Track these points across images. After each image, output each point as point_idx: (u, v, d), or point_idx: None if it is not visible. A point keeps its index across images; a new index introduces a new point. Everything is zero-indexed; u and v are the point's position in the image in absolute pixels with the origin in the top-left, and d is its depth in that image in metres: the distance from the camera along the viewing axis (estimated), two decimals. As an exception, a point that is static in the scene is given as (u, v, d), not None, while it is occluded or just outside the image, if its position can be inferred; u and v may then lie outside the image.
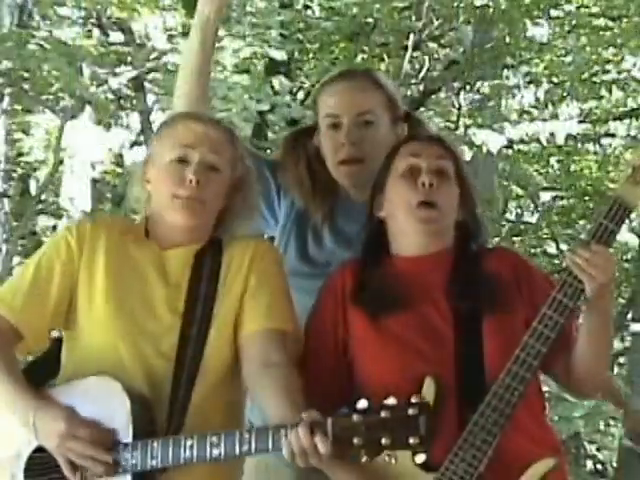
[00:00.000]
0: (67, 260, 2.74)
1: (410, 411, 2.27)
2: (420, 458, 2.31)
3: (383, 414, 2.28)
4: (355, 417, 2.30)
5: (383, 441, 2.27)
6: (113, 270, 2.73)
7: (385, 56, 10.52)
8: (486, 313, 2.65)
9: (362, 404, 2.31)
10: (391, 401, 2.29)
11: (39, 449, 2.58)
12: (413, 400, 2.29)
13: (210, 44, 3.16)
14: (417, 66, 11.59)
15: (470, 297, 2.67)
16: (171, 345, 2.64)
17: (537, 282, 2.75)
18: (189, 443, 2.45)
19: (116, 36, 9.64)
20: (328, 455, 2.33)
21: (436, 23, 10.41)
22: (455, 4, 9.70)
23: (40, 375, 2.74)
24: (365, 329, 2.69)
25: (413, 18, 9.78)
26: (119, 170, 11.66)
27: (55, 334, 2.81)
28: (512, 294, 2.70)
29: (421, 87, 11.56)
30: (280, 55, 7.39)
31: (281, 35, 7.56)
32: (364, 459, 2.31)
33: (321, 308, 2.78)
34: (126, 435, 2.51)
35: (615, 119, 11.00)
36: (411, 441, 2.27)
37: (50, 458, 2.56)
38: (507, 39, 10.55)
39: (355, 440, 2.29)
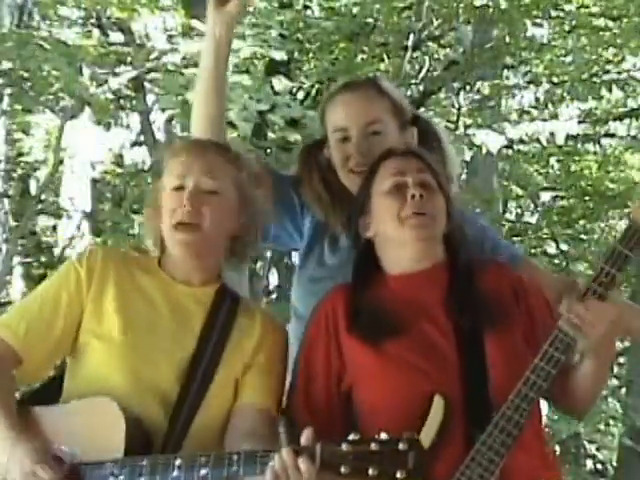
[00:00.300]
0: (75, 291, 2.76)
1: (400, 446, 2.28)
2: None
3: (373, 446, 2.29)
4: (345, 446, 2.31)
5: (370, 472, 2.27)
6: (122, 299, 2.75)
7: (385, 56, 10.52)
8: (487, 328, 2.66)
9: (353, 436, 2.32)
10: (383, 436, 2.30)
11: None
12: (405, 436, 2.29)
13: (224, 65, 3.15)
14: (417, 66, 11.59)
15: (470, 312, 2.67)
16: (175, 377, 2.67)
17: (533, 296, 2.77)
18: (178, 462, 2.47)
19: (116, 36, 9.64)
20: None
21: (436, 23, 10.41)
22: (455, 4, 9.69)
23: (43, 401, 2.75)
24: (364, 355, 2.67)
25: (413, 18, 9.78)
26: (119, 170, 11.67)
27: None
28: (510, 308, 2.71)
29: (421, 87, 11.56)
30: (280, 55, 7.39)
31: (281, 35, 7.56)
32: None
33: (311, 340, 2.78)
34: (118, 453, 2.53)
35: (615, 119, 11.01)
36: (398, 475, 2.27)
37: None
38: (507, 39, 10.54)
39: (342, 468, 2.29)
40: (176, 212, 2.73)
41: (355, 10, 9.49)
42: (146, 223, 2.88)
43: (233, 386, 2.72)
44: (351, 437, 2.31)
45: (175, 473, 2.45)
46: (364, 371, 2.68)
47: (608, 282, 2.54)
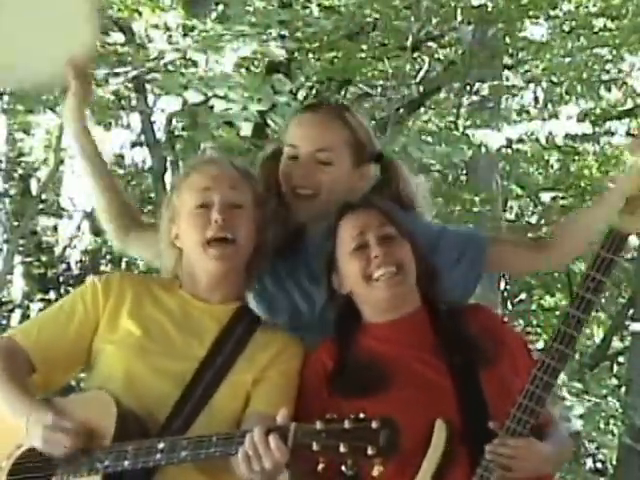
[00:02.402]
0: (92, 305, 2.80)
1: (373, 424, 2.27)
2: (377, 470, 2.29)
3: (346, 424, 2.29)
4: (319, 424, 2.31)
5: (341, 449, 2.27)
6: (137, 310, 2.79)
7: (384, 56, 10.53)
8: (479, 366, 2.68)
9: (329, 415, 2.32)
10: (360, 415, 2.30)
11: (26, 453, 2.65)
12: (378, 416, 2.29)
13: (89, 148, 3.17)
14: (417, 66, 11.61)
15: (461, 353, 2.68)
16: (178, 383, 2.68)
17: (509, 334, 2.82)
18: (161, 446, 2.50)
19: (116, 36, 9.65)
20: (284, 459, 2.33)
21: (434, 21, 10.43)
22: (454, 4, 9.71)
23: None
24: (356, 406, 2.61)
25: (412, 18, 9.79)
26: (120, 171, 11.68)
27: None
28: (495, 347, 2.72)
29: (421, 87, 11.57)
30: (280, 55, 7.40)
31: (281, 35, 7.57)
32: (320, 466, 2.31)
33: (306, 393, 2.74)
34: (107, 441, 2.56)
35: (614, 118, 11.03)
36: (369, 452, 2.26)
37: (35, 462, 2.62)
38: (506, 39, 10.57)
39: (314, 445, 2.29)
40: (206, 228, 2.74)
41: (355, 10, 9.51)
42: (165, 252, 2.87)
43: (242, 397, 2.71)
44: (327, 416, 2.31)
45: (158, 456, 2.48)
46: None
47: (595, 288, 2.59)
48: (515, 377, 2.68)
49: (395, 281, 2.72)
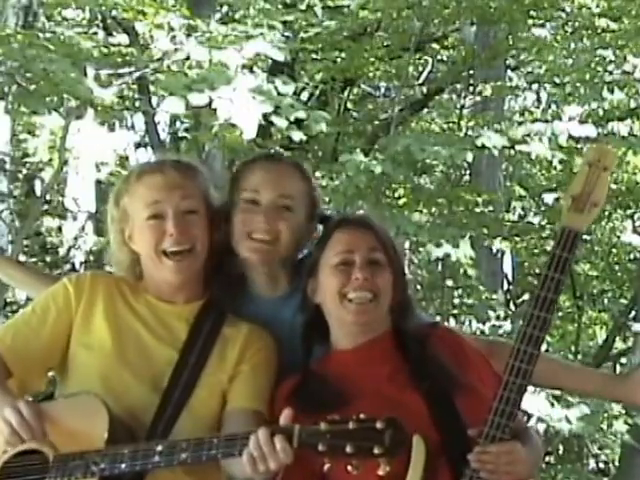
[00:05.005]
0: (64, 306, 2.82)
1: (378, 424, 2.31)
2: (382, 470, 2.32)
3: (351, 425, 2.32)
4: (323, 425, 2.33)
5: (347, 449, 2.30)
6: (111, 312, 2.80)
7: (387, 57, 10.56)
8: (452, 388, 2.70)
9: (332, 416, 2.34)
10: (361, 416, 2.33)
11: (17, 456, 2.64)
12: (383, 417, 2.32)
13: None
14: (420, 67, 11.64)
15: (432, 378, 2.70)
16: (156, 387, 2.71)
17: (472, 354, 2.83)
18: (159, 448, 2.51)
19: (120, 37, 9.68)
20: (289, 460, 2.36)
21: (438, 24, 10.45)
22: (455, 4, 9.72)
23: None
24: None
25: (415, 19, 9.81)
26: (124, 171, 11.68)
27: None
28: (462, 367, 2.75)
29: (424, 88, 11.60)
30: (283, 56, 7.42)
31: (284, 35, 7.60)
32: (326, 467, 2.34)
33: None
34: (100, 446, 2.58)
35: (617, 119, 11.02)
36: (375, 451, 2.29)
37: (26, 464, 2.62)
38: (509, 40, 10.58)
39: (320, 446, 2.32)
40: (162, 240, 2.77)
41: (356, 9, 9.52)
42: (117, 250, 2.89)
43: (218, 395, 2.75)
44: (330, 417, 2.34)
45: (156, 458, 2.49)
46: None
47: (555, 287, 2.63)
48: (483, 388, 2.70)
49: (367, 308, 2.74)
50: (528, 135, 9.10)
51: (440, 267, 10.81)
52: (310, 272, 2.82)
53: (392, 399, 2.66)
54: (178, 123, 10.49)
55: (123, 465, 2.51)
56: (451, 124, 11.38)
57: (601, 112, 10.89)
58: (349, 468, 2.33)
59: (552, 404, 7.71)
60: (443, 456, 2.59)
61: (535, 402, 7.41)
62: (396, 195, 10.21)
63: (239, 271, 3.01)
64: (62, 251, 11.93)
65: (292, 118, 6.87)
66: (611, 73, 10.18)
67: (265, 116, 6.98)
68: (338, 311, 2.76)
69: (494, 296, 9.88)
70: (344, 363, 2.76)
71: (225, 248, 2.96)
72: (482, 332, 8.89)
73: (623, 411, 9.04)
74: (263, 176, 3.01)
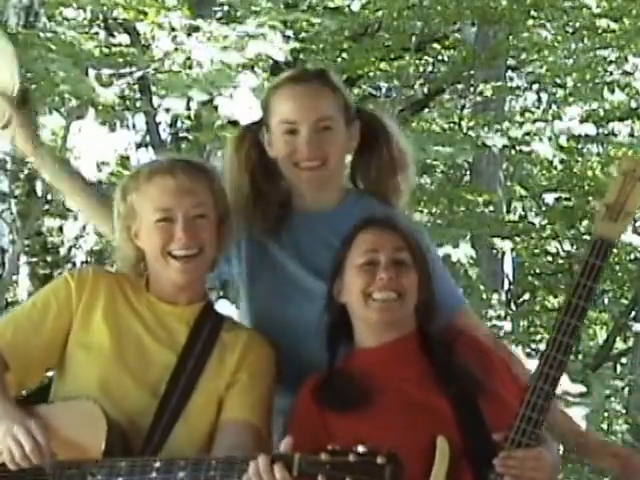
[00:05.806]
0: (65, 302, 2.78)
1: (378, 459, 2.28)
2: None
3: (351, 457, 2.29)
4: (323, 455, 2.31)
5: None
6: (111, 312, 2.77)
7: (388, 57, 10.56)
8: (477, 393, 2.69)
9: (332, 447, 2.32)
10: (361, 448, 2.30)
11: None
12: (383, 450, 2.29)
13: (59, 173, 3.21)
14: (420, 67, 11.65)
15: (458, 383, 2.69)
16: (154, 391, 2.69)
17: (497, 361, 2.82)
18: (157, 465, 2.49)
19: (121, 37, 9.70)
20: None
21: (439, 24, 10.46)
22: (457, 5, 9.74)
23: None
24: (348, 427, 2.62)
25: (416, 20, 9.83)
26: (125, 172, 11.70)
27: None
28: (487, 373, 2.74)
29: (424, 88, 11.61)
30: (284, 56, 7.43)
31: (285, 35, 7.61)
32: None
33: (299, 413, 2.73)
34: (98, 454, 2.55)
35: (618, 120, 11.04)
36: None
37: (21, 471, 2.57)
38: (510, 40, 10.59)
39: (319, 477, 2.29)
40: (170, 241, 2.74)
41: (356, 9, 9.53)
42: (123, 247, 2.86)
43: (215, 403, 2.72)
44: (330, 447, 2.32)
45: (153, 474, 2.47)
46: (356, 435, 2.51)
47: (587, 295, 2.63)
48: (507, 395, 2.69)
49: (391, 306, 2.73)
50: (528, 134, 9.12)
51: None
52: (336, 272, 2.82)
53: (418, 401, 2.66)
54: (179, 123, 10.49)
55: (120, 479, 2.49)
56: (452, 124, 11.38)
57: (602, 112, 10.91)
58: None
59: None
60: (464, 460, 2.58)
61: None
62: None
63: (285, 193, 3.01)
64: (63, 251, 11.94)
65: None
66: (611, 73, 10.20)
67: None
68: (363, 311, 2.75)
69: (494, 296, 9.89)
70: (369, 361, 2.75)
71: (266, 174, 2.97)
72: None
73: (623, 411, 9.07)
74: (295, 104, 2.96)
